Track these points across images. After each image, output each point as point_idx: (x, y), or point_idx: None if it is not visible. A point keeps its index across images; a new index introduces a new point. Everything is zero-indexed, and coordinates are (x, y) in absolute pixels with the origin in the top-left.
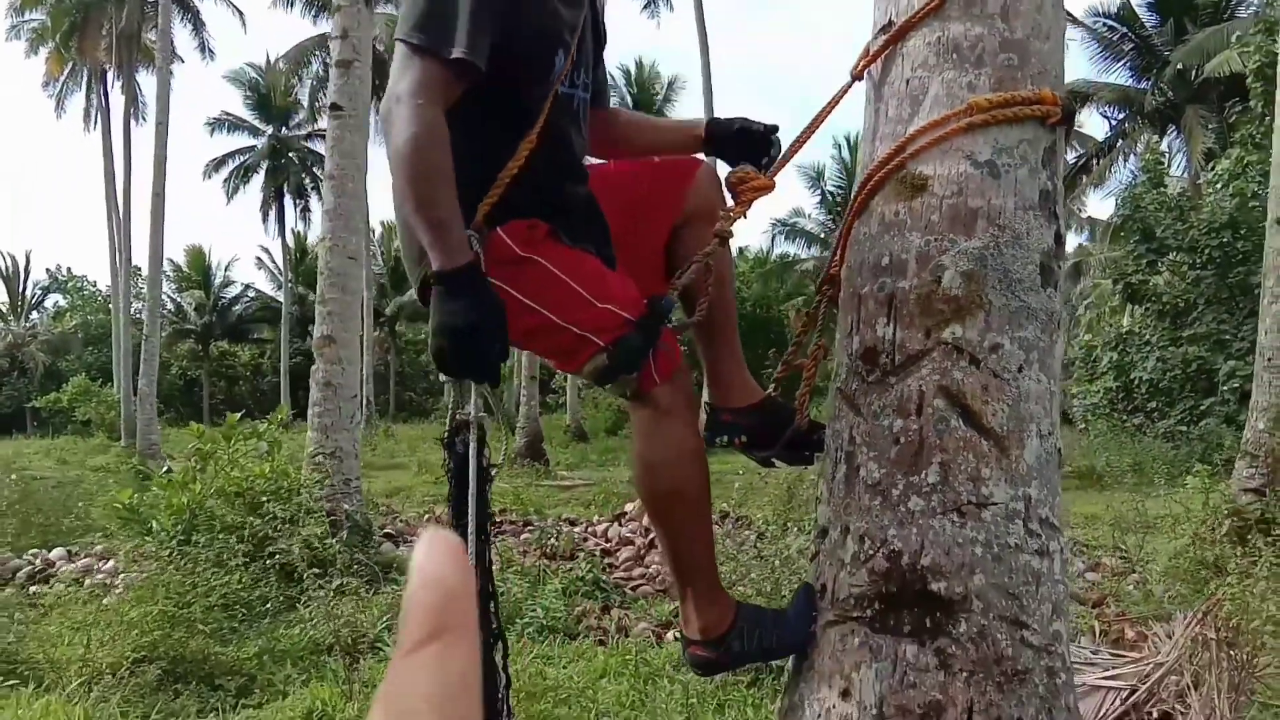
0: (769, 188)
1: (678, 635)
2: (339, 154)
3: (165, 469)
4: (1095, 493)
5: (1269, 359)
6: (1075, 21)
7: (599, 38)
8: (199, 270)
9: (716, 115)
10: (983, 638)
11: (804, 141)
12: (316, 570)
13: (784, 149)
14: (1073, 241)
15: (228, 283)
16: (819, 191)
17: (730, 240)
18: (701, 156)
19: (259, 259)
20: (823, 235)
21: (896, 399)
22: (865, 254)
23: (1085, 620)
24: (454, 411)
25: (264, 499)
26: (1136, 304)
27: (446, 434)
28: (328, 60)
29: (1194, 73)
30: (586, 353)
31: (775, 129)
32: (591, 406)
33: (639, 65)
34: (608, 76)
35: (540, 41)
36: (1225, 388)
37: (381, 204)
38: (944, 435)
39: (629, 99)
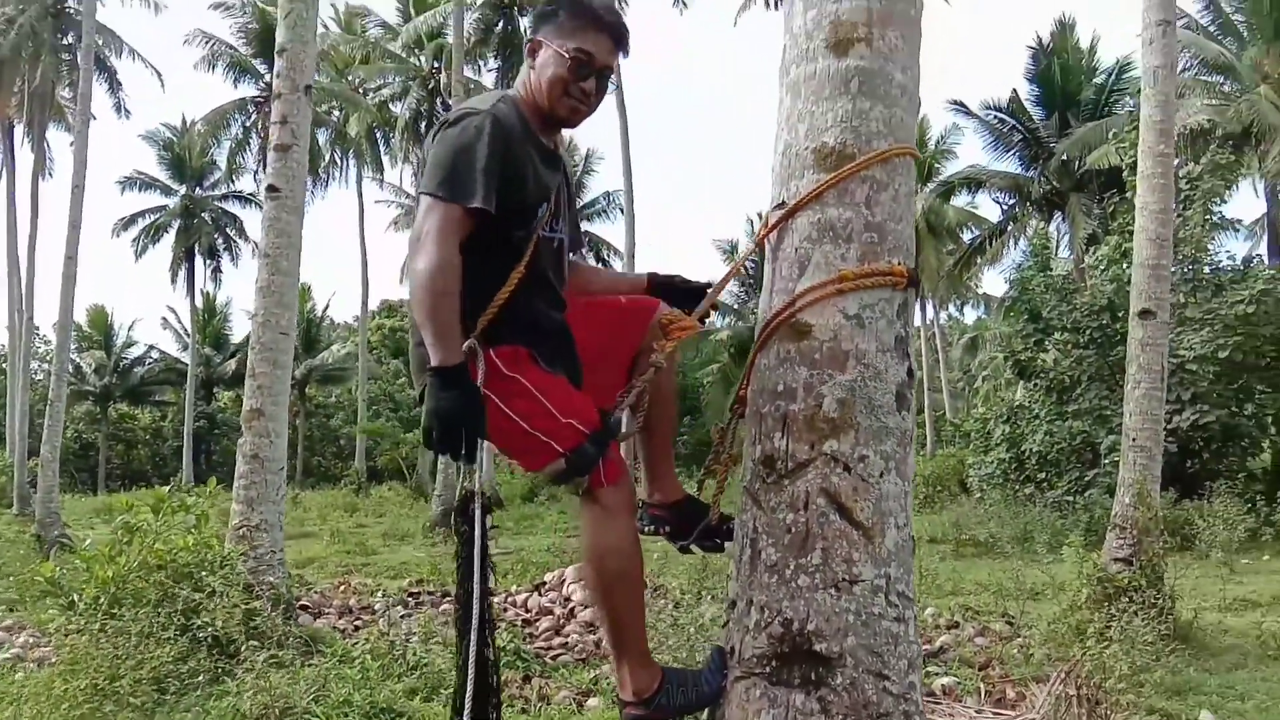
0: (694, 329)
1: (612, 700)
2: (274, 233)
3: (87, 541)
4: (988, 560)
5: (1133, 439)
6: (969, 113)
7: (571, 196)
8: (101, 330)
9: (654, 269)
10: (854, 687)
11: (719, 290)
12: (254, 643)
13: (706, 294)
14: (970, 316)
15: (130, 343)
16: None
17: (663, 369)
18: (658, 300)
19: (164, 319)
20: (736, 306)
21: (789, 497)
22: (765, 381)
23: (972, 682)
24: (462, 483)
25: (189, 570)
26: (1026, 379)
27: (458, 503)
28: (246, 124)
29: (1077, 164)
30: (547, 457)
31: (706, 286)
32: (507, 474)
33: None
34: (578, 225)
35: (529, 196)
36: (1107, 460)
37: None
38: (825, 526)
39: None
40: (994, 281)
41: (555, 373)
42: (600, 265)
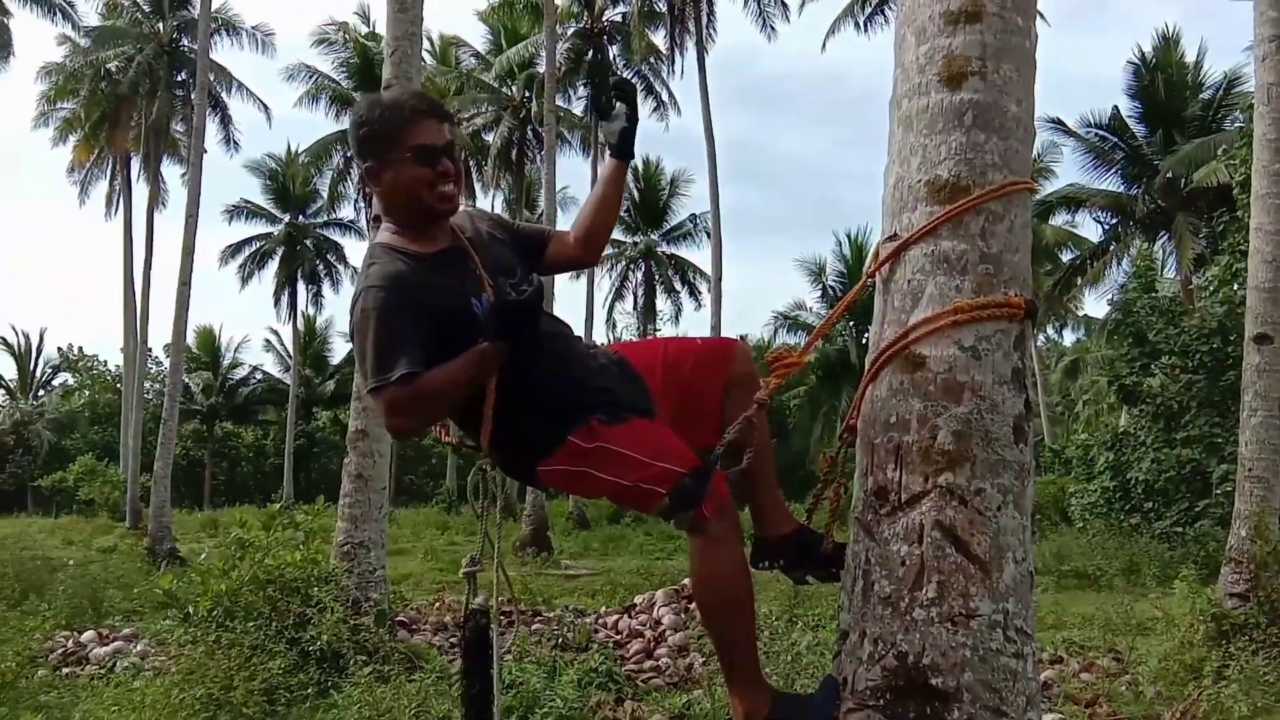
0: (800, 365)
1: None
2: None
3: (202, 556)
4: (1092, 593)
5: (1249, 469)
6: (1069, 131)
7: (501, 229)
8: (208, 351)
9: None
10: None
11: (828, 326)
12: (361, 658)
13: (814, 330)
14: (1069, 339)
15: (236, 364)
16: (819, 285)
17: (767, 405)
18: (735, 337)
19: (267, 341)
20: None
21: (903, 529)
22: (877, 412)
23: (1080, 719)
24: (468, 601)
25: (297, 586)
26: (1131, 405)
27: (463, 619)
28: (347, 155)
29: (1183, 181)
30: (655, 500)
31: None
32: None
33: (645, 163)
34: (533, 228)
35: (454, 317)
36: (1219, 490)
37: None
38: (940, 560)
39: (635, 195)
40: (1094, 303)
41: (628, 421)
42: (685, 288)
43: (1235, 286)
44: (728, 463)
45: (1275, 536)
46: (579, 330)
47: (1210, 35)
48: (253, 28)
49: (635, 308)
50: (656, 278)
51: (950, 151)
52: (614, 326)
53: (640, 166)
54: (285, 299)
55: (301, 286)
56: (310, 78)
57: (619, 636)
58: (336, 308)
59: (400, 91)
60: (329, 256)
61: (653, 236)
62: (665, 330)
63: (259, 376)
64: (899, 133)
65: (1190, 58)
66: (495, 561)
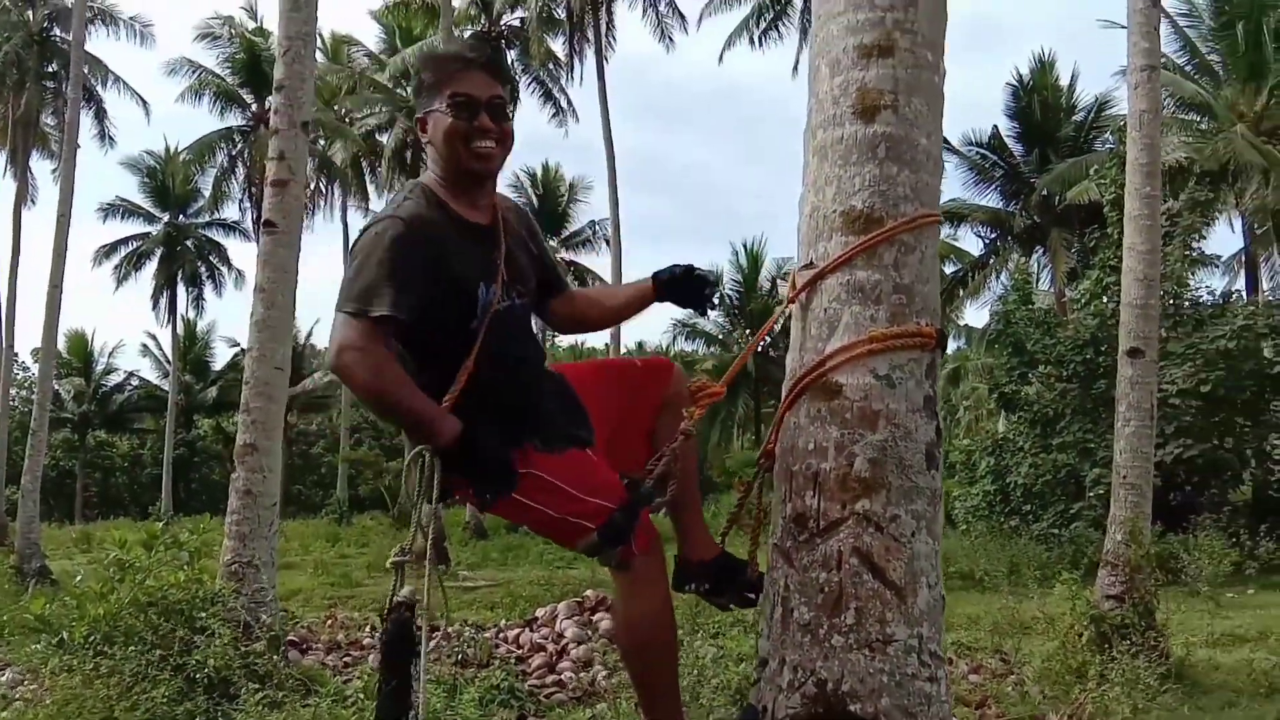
0: (720, 394)
1: None
2: (271, 268)
3: (78, 578)
4: (976, 594)
5: (1124, 476)
6: (951, 148)
7: (535, 246)
8: (80, 357)
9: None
10: None
11: (751, 350)
12: (254, 684)
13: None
14: (951, 347)
15: (110, 370)
16: (716, 295)
17: (692, 435)
18: (673, 362)
19: (145, 346)
20: (720, 336)
21: (822, 556)
22: (795, 439)
23: None
24: (393, 594)
25: (181, 608)
26: (1010, 411)
27: (386, 610)
28: (232, 153)
29: (1057, 199)
30: (582, 535)
31: (713, 276)
32: None
33: (545, 169)
34: (555, 263)
35: (458, 288)
36: (1091, 494)
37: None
38: (858, 586)
39: (534, 201)
40: (975, 314)
41: (563, 451)
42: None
43: (1105, 299)
44: (655, 491)
45: (1148, 541)
46: None
47: (1082, 59)
48: (130, 18)
49: None
50: None
51: (864, 183)
52: None
53: (539, 172)
54: (164, 301)
55: (181, 289)
56: (193, 73)
57: (520, 651)
58: (219, 311)
59: (459, 42)
60: (211, 258)
61: (552, 243)
62: (563, 337)
63: (135, 383)
64: (814, 162)
65: (1064, 81)
66: (427, 554)
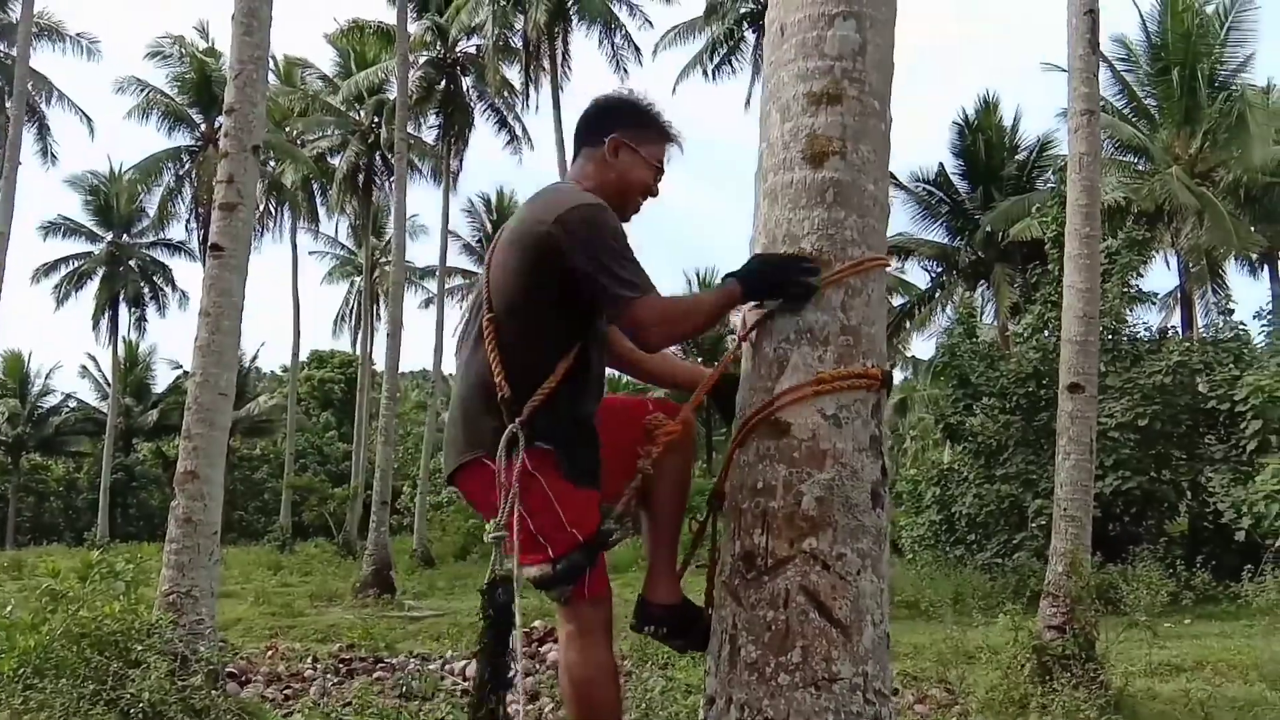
0: (676, 432)
1: None
2: (216, 292)
3: (9, 607)
4: (923, 623)
5: (1064, 509)
6: (899, 184)
7: None
8: (15, 378)
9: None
10: None
11: (702, 392)
12: (188, 719)
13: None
14: (899, 378)
15: (46, 391)
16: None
17: (649, 474)
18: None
19: (84, 367)
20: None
21: (769, 594)
22: (745, 477)
23: None
24: (493, 566)
25: (116, 640)
26: (955, 442)
27: (487, 585)
28: (180, 173)
29: (1000, 235)
30: (539, 557)
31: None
32: (439, 529)
33: (499, 195)
34: None
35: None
36: (1034, 524)
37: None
38: (804, 624)
39: (489, 227)
40: (921, 345)
41: (579, 485)
42: None
43: (1047, 334)
44: (613, 532)
45: (1088, 572)
46: (428, 360)
47: (1025, 100)
48: (78, 34)
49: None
50: None
51: (813, 227)
52: None
53: (494, 198)
54: (105, 322)
55: (124, 309)
56: (142, 91)
57: (466, 683)
58: (162, 332)
59: (666, 118)
60: (155, 278)
61: None
62: None
63: (73, 405)
64: (765, 205)
65: (1008, 121)
66: (514, 530)
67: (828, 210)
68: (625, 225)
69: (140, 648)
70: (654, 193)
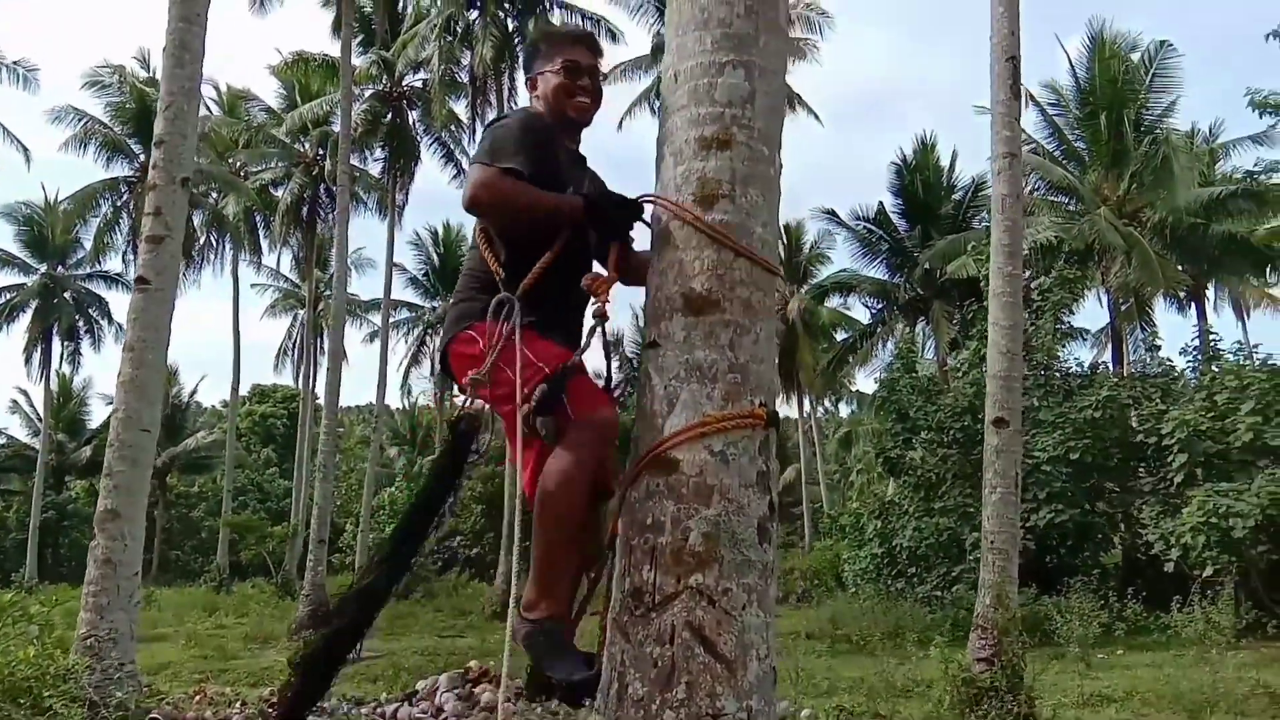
0: (615, 279)
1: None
2: (141, 325)
3: None
4: (863, 657)
5: (991, 541)
6: (840, 222)
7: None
8: None
9: None
10: None
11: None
12: None
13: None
14: (844, 411)
15: None
16: (618, 355)
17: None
18: None
19: (14, 402)
20: (621, 399)
21: (656, 630)
22: (635, 514)
23: None
24: (462, 409)
25: (28, 686)
26: (896, 475)
27: (454, 419)
28: (117, 204)
29: (938, 273)
30: (512, 402)
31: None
32: None
33: (446, 228)
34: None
35: (559, 183)
36: (971, 556)
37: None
38: (690, 660)
39: (435, 260)
40: (865, 379)
41: (555, 342)
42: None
43: (983, 369)
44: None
45: (1015, 605)
46: (370, 393)
47: (961, 141)
48: (14, 62)
49: (432, 373)
50: None
51: (704, 267)
52: (409, 392)
53: (441, 231)
54: (38, 356)
55: (57, 342)
56: (79, 121)
57: None
58: (95, 366)
59: (568, 25)
60: (90, 311)
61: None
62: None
63: (1, 441)
64: (659, 245)
65: (945, 162)
66: (518, 377)
67: (717, 251)
68: (587, 128)
69: (51, 695)
70: (575, 88)
